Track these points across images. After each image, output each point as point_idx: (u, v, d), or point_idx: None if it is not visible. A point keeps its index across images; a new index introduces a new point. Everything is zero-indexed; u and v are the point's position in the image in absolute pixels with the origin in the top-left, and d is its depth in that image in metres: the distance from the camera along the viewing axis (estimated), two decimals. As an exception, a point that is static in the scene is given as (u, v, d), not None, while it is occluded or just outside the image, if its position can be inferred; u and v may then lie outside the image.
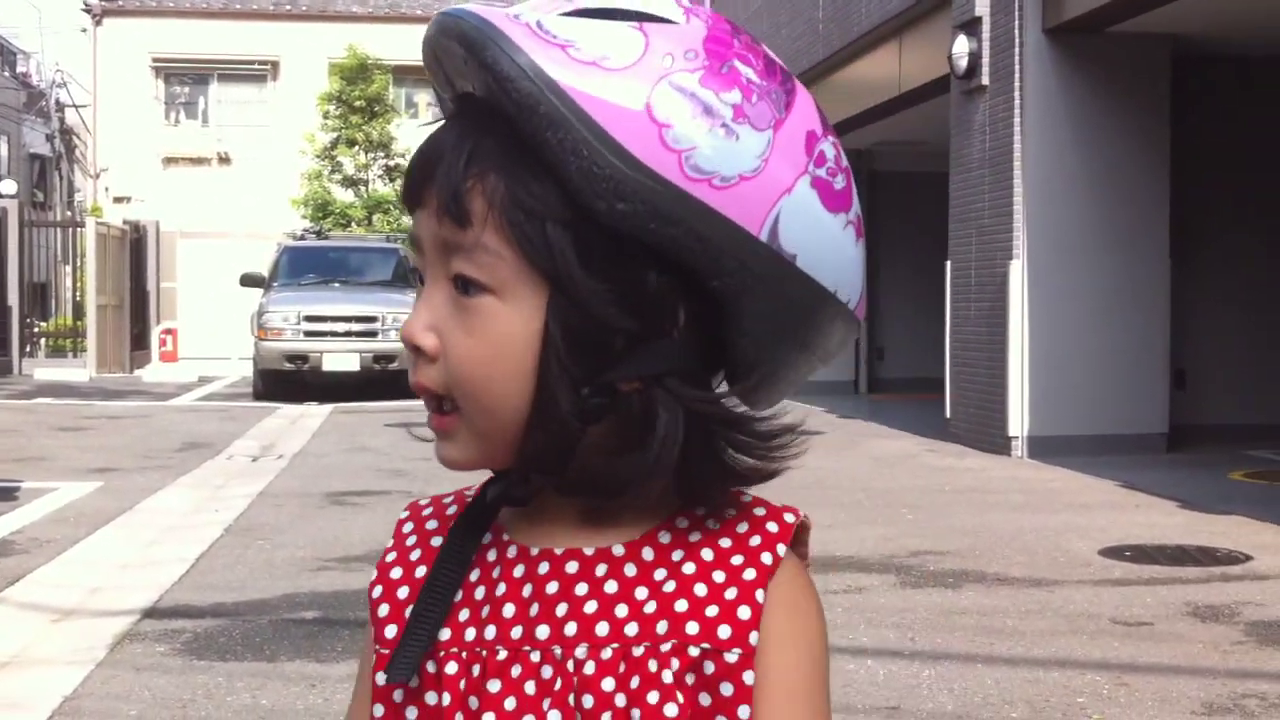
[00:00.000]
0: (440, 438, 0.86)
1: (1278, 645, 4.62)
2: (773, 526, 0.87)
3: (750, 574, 0.84)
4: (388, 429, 12.54)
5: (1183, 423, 10.16)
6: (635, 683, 0.82)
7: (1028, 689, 4.12)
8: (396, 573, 0.93)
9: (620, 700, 0.82)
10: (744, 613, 0.83)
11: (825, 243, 0.83)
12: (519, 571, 0.87)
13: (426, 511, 0.96)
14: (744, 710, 0.82)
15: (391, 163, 25.96)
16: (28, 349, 20.96)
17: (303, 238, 19.16)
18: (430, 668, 0.87)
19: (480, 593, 0.88)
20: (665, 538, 0.86)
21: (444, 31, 0.82)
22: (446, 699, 0.86)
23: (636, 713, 0.82)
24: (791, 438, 0.87)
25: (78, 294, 24.18)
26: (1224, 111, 10.72)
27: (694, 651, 0.83)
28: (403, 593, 0.91)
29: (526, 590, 0.86)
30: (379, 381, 16.24)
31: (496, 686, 0.85)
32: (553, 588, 0.86)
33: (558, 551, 0.87)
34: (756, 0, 17.11)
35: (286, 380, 16.09)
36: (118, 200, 26.96)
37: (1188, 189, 10.27)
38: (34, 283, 22.66)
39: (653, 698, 0.82)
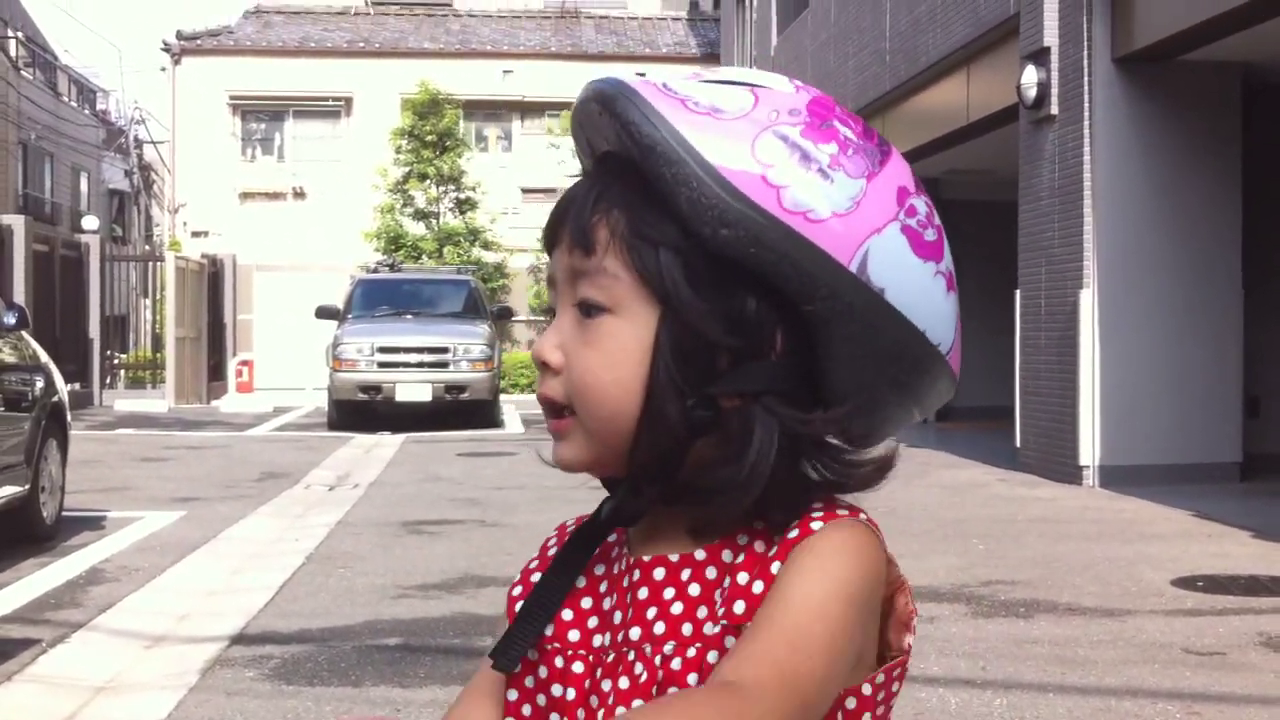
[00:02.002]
0: (557, 440, 0.97)
1: (1353, 676, 4.61)
2: (816, 523, 0.93)
3: (772, 550, 0.93)
4: (460, 458, 12.73)
5: (1256, 451, 10.08)
6: None
7: (1100, 718, 4.16)
8: (536, 578, 1.04)
9: None
10: (758, 588, 0.91)
11: (913, 284, 0.93)
12: (627, 582, 0.98)
13: (571, 528, 1.06)
14: None
15: (461, 195, 26.29)
16: (108, 380, 21.44)
17: (376, 270, 19.48)
18: (559, 663, 0.98)
19: (609, 602, 0.99)
20: (743, 539, 0.95)
21: (586, 95, 0.96)
22: (571, 694, 0.97)
23: None
24: (876, 469, 0.96)
25: (156, 326, 24.71)
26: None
27: (728, 642, 0.91)
28: None
29: (630, 597, 0.97)
30: (450, 411, 16.49)
31: (607, 685, 0.95)
32: (643, 593, 0.96)
33: (646, 559, 0.97)
34: (824, 32, 17.24)
35: (360, 410, 16.37)
36: (195, 234, 27.55)
37: (1260, 217, 10.21)
38: (113, 315, 23.19)
39: None
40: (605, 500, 1.00)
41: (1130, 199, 9.82)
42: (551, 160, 26.54)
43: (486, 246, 26.24)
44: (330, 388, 16.64)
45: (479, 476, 11.17)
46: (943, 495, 9.49)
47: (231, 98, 28.14)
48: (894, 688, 0.98)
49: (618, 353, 0.92)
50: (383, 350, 16.33)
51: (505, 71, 28.59)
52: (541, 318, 26.78)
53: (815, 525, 0.93)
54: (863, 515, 0.95)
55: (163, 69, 29.23)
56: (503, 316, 19.34)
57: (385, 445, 14.14)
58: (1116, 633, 5.28)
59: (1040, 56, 10.40)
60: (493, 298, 21.77)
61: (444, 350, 16.45)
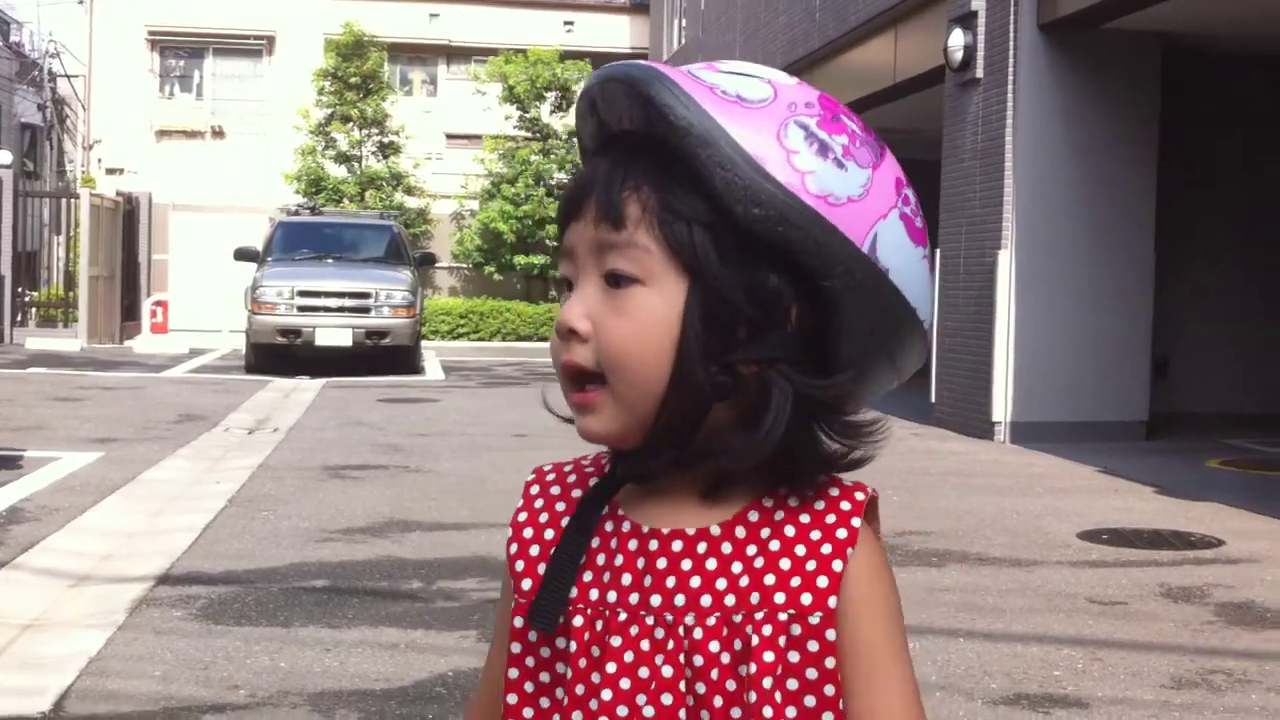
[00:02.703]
0: (582, 413, 1.02)
1: (1245, 625, 4.84)
2: (846, 505, 1.03)
3: (828, 548, 1.02)
4: (381, 404, 12.72)
5: (1163, 410, 10.40)
6: (738, 645, 1.00)
7: (1007, 662, 4.33)
8: (528, 532, 1.11)
9: (725, 659, 1.00)
10: (822, 581, 1.01)
11: (910, 266, 1.02)
12: (633, 545, 1.05)
13: (550, 477, 1.14)
14: (829, 661, 1.00)
15: (385, 139, 26.03)
16: (18, 318, 21.04)
17: (297, 213, 19.27)
18: (559, 618, 1.05)
19: (601, 559, 1.06)
20: (754, 516, 1.03)
21: (611, 77, 1.03)
22: (573, 646, 1.05)
23: (744, 668, 1.00)
24: (879, 426, 1.05)
25: (69, 264, 24.24)
26: (1211, 108, 10.93)
27: (782, 617, 1.00)
28: (534, 550, 1.09)
29: (640, 563, 1.04)
30: (370, 357, 16.42)
31: (618, 641, 1.03)
32: (662, 563, 1.03)
33: (664, 531, 1.04)
34: (752, -14, 17.26)
35: (279, 354, 16.24)
36: (110, 172, 27.00)
37: (1174, 183, 10.48)
38: (25, 252, 22.71)
39: (752, 656, 0.99)
40: (618, 461, 1.06)
41: (1050, 163, 10.02)
42: (477, 106, 26.34)
43: (409, 192, 26.04)
44: (249, 330, 16.48)
45: (401, 422, 11.18)
46: (860, 449, 9.65)
47: (150, 33, 27.53)
48: None
49: (649, 322, 0.98)
50: (303, 294, 16.20)
51: (432, 15, 28.26)
52: (463, 265, 26.70)
53: (845, 505, 1.04)
54: (871, 489, 1.05)
55: (79, 1, 28.50)
56: (425, 263, 19.22)
57: (304, 390, 14.07)
58: (1024, 582, 5.47)
59: (967, 20, 10.55)
60: (415, 244, 21.62)
61: (366, 295, 16.36)
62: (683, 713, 1.01)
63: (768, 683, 0.99)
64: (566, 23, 28.57)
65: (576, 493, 1.10)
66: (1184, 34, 9.99)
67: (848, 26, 13.54)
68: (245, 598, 5.02)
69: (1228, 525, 6.72)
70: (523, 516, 1.12)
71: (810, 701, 1.00)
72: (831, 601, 1.00)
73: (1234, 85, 10.95)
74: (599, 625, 1.04)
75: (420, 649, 4.39)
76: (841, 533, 1.02)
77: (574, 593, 1.05)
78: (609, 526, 1.07)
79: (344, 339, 16.21)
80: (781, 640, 1.00)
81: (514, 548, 1.11)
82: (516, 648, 1.09)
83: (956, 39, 10.59)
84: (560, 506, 1.10)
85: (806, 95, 1.01)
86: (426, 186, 26.31)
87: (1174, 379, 10.90)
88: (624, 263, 0.99)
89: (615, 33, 28.77)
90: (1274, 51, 10.36)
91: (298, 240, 17.62)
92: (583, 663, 1.04)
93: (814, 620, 1.00)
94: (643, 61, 1.02)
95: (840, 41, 13.94)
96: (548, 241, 25.47)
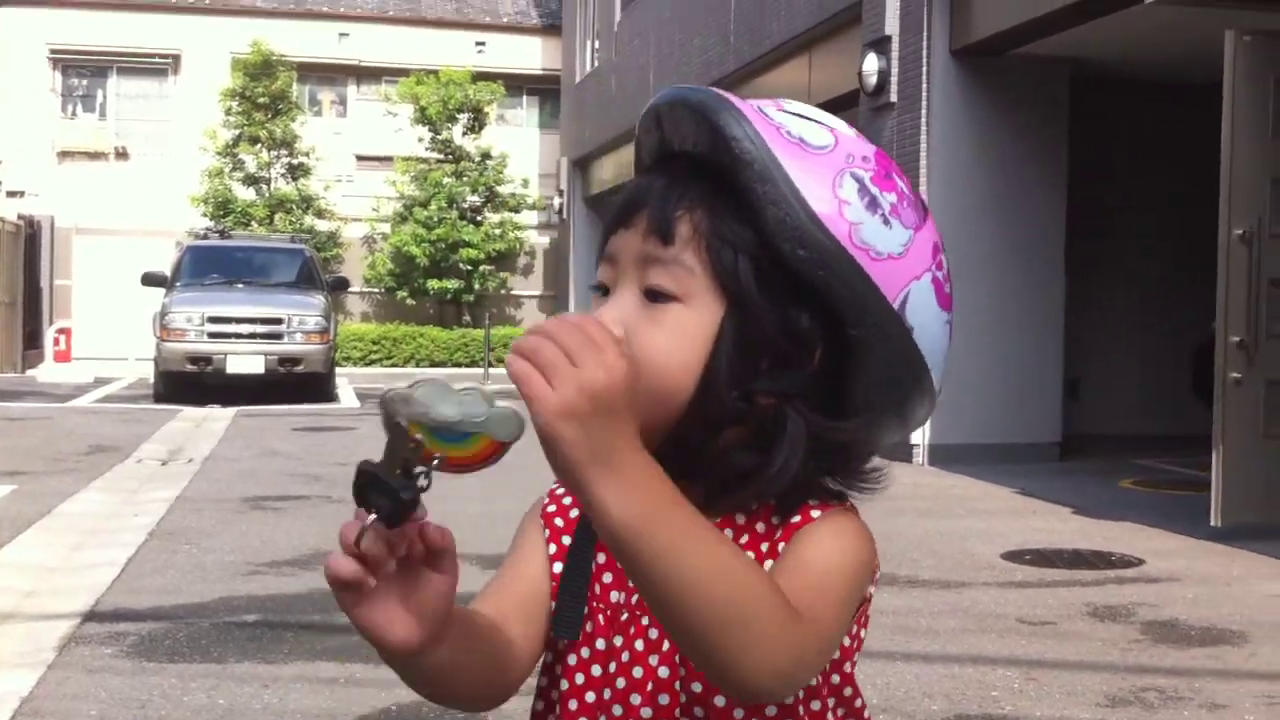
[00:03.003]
0: None
1: (1171, 643, 4.95)
2: (815, 512, 1.06)
3: (779, 534, 1.05)
4: (296, 433, 12.55)
5: (1075, 431, 10.61)
6: None
7: (945, 684, 4.39)
8: (560, 521, 1.15)
9: None
10: (766, 565, 1.03)
11: (934, 328, 1.06)
12: None
13: (562, 492, 1.17)
14: None
15: (295, 161, 25.73)
16: (-84, 346, 20.47)
17: (205, 236, 18.98)
18: (581, 626, 1.09)
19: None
20: (740, 519, 1.07)
21: (682, 100, 1.05)
22: (601, 644, 1.09)
23: None
24: (879, 474, 1.08)
25: (-33, 290, 23.60)
26: (1119, 132, 11.22)
27: None
28: (567, 539, 1.14)
29: None
30: (282, 385, 16.18)
31: (619, 640, 1.07)
32: None
33: None
34: (669, 10, 17.39)
35: (189, 382, 15.94)
36: (11, 194, 26.31)
37: (1084, 206, 10.72)
38: (-78, 278, 22.10)
39: None
40: None
41: (963, 186, 10.21)
42: (388, 127, 26.15)
43: (320, 215, 25.75)
44: (157, 358, 16.17)
45: (319, 452, 11.04)
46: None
47: (52, 51, 26.94)
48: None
49: (683, 338, 1.01)
50: (213, 320, 15.95)
51: (341, 34, 28.00)
52: (375, 290, 26.46)
53: (815, 514, 1.05)
54: (850, 505, 1.08)
55: (-25, 19, 27.83)
56: (338, 287, 19.05)
57: (216, 419, 13.84)
58: (954, 604, 5.55)
59: (881, 45, 10.71)
60: (326, 268, 21.39)
61: (278, 321, 16.14)
62: (677, 711, 1.05)
63: None
64: (478, 43, 28.49)
65: None
66: (1093, 60, 10.24)
67: (762, 50, 13.69)
68: (176, 634, 4.93)
69: (1146, 545, 6.87)
70: (552, 508, 1.17)
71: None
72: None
73: (1143, 110, 11.25)
74: (604, 622, 1.09)
75: (360, 683, 4.34)
76: (795, 518, 1.05)
77: (598, 589, 1.10)
78: None
79: (256, 366, 15.97)
80: None
81: (547, 532, 1.15)
82: (573, 660, 1.12)
83: (871, 63, 10.75)
84: (575, 514, 1.16)
85: (865, 149, 1.05)
86: (337, 209, 26.04)
87: (1084, 400, 11.14)
88: (666, 279, 1.02)
89: (527, 54, 28.76)
90: (1182, 79, 10.65)
91: (207, 265, 17.34)
92: (596, 670, 1.09)
93: None
94: (716, 90, 1.05)
95: (755, 65, 14.08)
96: (461, 265, 25.34)
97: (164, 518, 7.54)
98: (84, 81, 27.47)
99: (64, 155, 26.86)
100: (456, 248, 25.19)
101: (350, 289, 22.51)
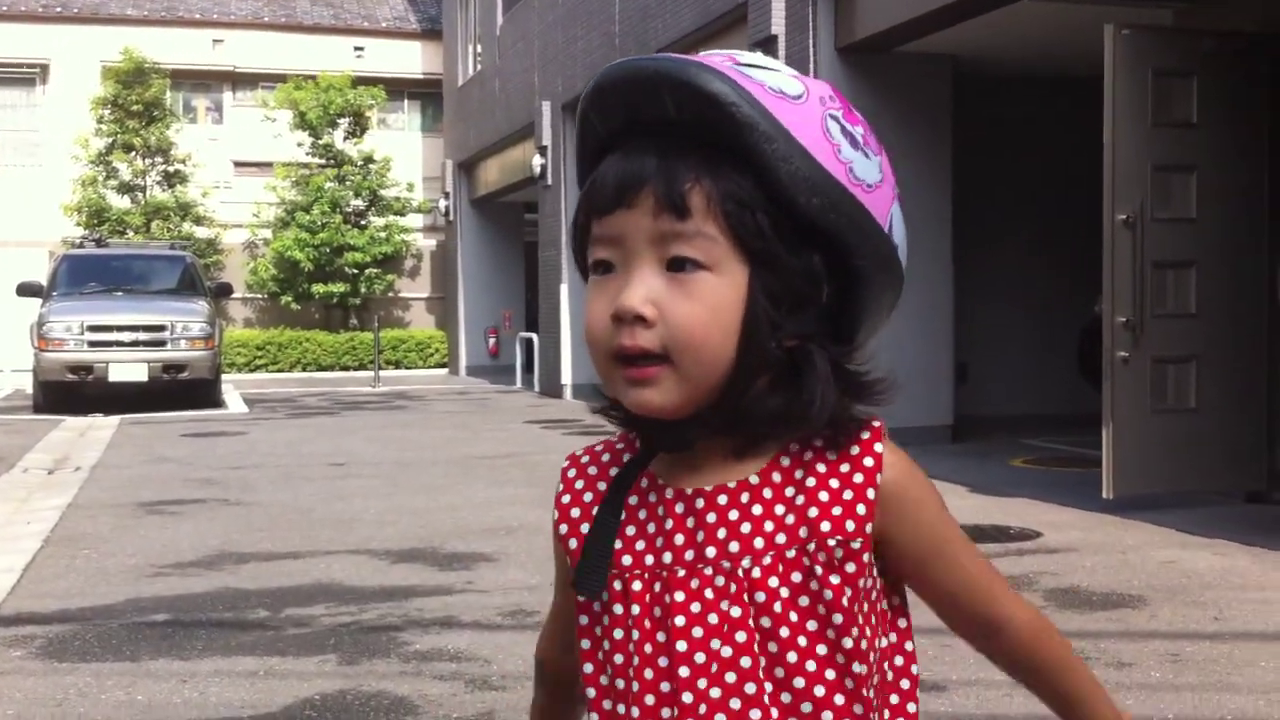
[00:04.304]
0: (642, 385, 1.06)
1: (1075, 609, 5.11)
2: (865, 434, 1.12)
3: (859, 477, 1.10)
4: (185, 439, 12.31)
5: (965, 414, 10.87)
6: (796, 576, 1.08)
7: (863, 654, 4.47)
8: (575, 512, 1.17)
9: (785, 592, 1.08)
10: (861, 509, 1.09)
11: (904, 240, 1.15)
12: (680, 508, 1.11)
13: (584, 460, 1.20)
14: (865, 581, 1.09)
15: (170, 168, 25.22)
16: None
17: (82, 245, 18.51)
18: (618, 586, 1.12)
19: (652, 527, 1.12)
20: (785, 461, 1.12)
21: (657, 71, 1.06)
22: (636, 609, 1.11)
23: (804, 599, 1.08)
24: (888, 383, 1.14)
25: None
26: (1001, 124, 11.51)
27: (831, 543, 1.08)
28: (585, 528, 1.15)
29: (690, 522, 1.11)
30: (166, 392, 15.87)
31: (681, 596, 1.10)
32: (711, 518, 1.10)
33: (708, 489, 1.11)
34: (552, 13, 17.39)
35: (70, 391, 15.57)
36: None
37: (969, 197, 10.99)
38: None
39: (810, 584, 1.08)
40: (658, 433, 1.10)
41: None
42: (266, 133, 25.75)
43: (198, 221, 25.27)
44: (36, 368, 15.75)
45: (209, 456, 10.85)
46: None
47: (-88, 60, 26.09)
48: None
49: (719, 305, 1.04)
50: (93, 329, 15.57)
51: (215, 40, 27.50)
52: (259, 295, 26.03)
53: (878, 447, 1.11)
54: (881, 420, 1.15)
55: None
56: (222, 294, 18.71)
57: (100, 427, 13.52)
58: (864, 580, 5.65)
59: (768, 44, 10.85)
60: (207, 274, 21.01)
61: (161, 328, 15.82)
62: (755, 646, 1.08)
63: (844, 601, 1.08)
64: (356, 48, 28.19)
65: (614, 470, 1.17)
66: (974, 57, 10.50)
67: (648, 51, 13.75)
68: (85, 635, 4.82)
69: (1041, 518, 7.07)
70: (566, 499, 1.19)
71: (822, 624, 1.09)
72: (869, 527, 1.08)
73: (1024, 103, 11.55)
74: (658, 586, 1.10)
75: (281, 675, 4.29)
76: (869, 460, 1.10)
77: (628, 560, 1.12)
78: (652, 497, 1.13)
79: (139, 374, 15.63)
80: (824, 566, 1.08)
81: (564, 528, 1.18)
82: (584, 619, 1.15)
83: (758, 62, 10.88)
84: (602, 485, 1.17)
85: (824, 89, 1.10)
86: (216, 216, 25.58)
87: (973, 384, 11.41)
88: (691, 250, 1.04)
89: (407, 58, 28.54)
90: (1061, 71, 10.97)
91: (85, 274, 16.93)
92: (647, 623, 1.10)
93: (855, 545, 1.08)
94: (686, 57, 1.06)
95: (641, 65, 14.14)
96: (346, 269, 25.05)
97: (58, 524, 7.36)
98: (-52, 90, 26.62)
99: (-72, 165, 26.00)
100: (341, 252, 24.91)
101: (234, 295, 22.15)
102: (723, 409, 1.07)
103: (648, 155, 1.06)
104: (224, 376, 18.38)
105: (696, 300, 1.04)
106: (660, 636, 1.10)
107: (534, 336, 19.18)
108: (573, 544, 1.16)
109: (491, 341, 23.33)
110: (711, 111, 1.03)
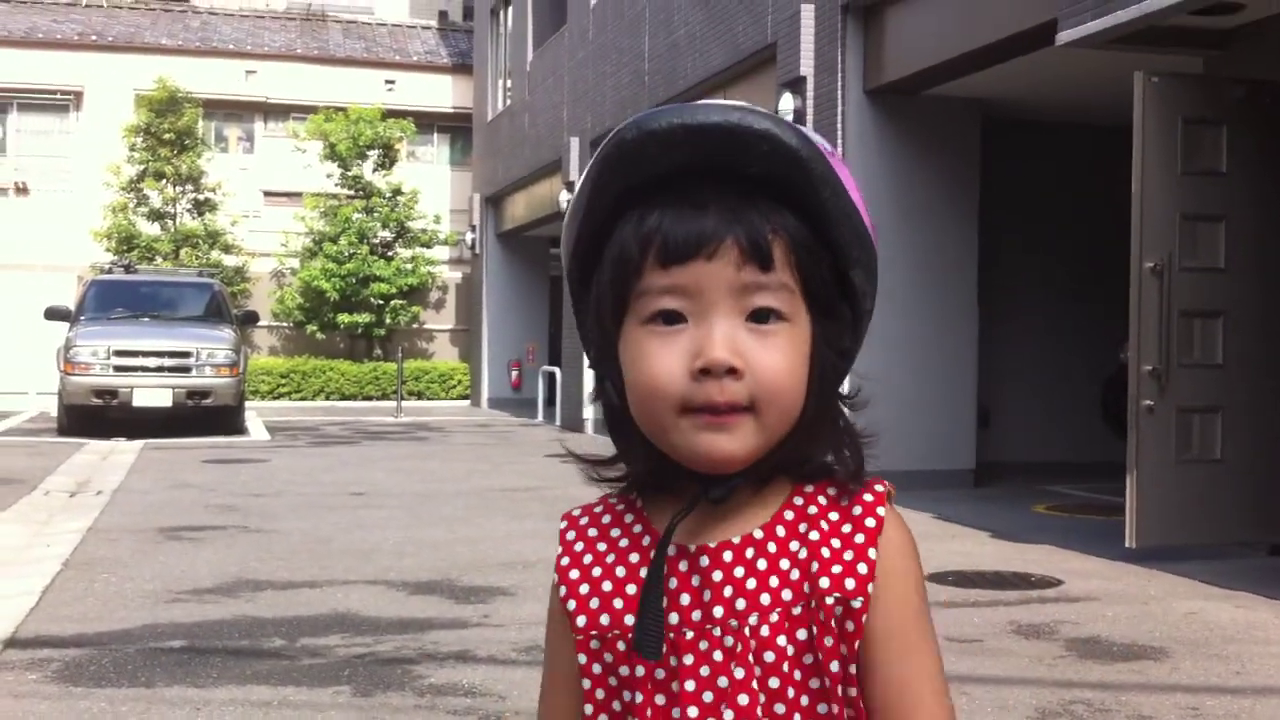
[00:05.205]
0: (719, 432, 1.03)
1: (1095, 659, 5.06)
2: (868, 496, 1.10)
3: (861, 537, 1.08)
4: (207, 465, 12.35)
5: (987, 459, 10.81)
6: (801, 634, 1.06)
7: (881, 699, 4.43)
8: (574, 574, 1.14)
9: (790, 650, 1.06)
10: (862, 568, 1.07)
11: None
12: (684, 566, 1.09)
13: (583, 521, 1.17)
14: (857, 644, 1.06)
15: (200, 196, 25.41)
16: None
17: (110, 271, 18.65)
18: (621, 646, 1.09)
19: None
20: (790, 515, 1.10)
21: (738, 124, 1.04)
22: (640, 670, 1.08)
23: (808, 658, 1.05)
24: (871, 438, 1.14)
25: None
26: (1026, 170, 11.51)
27: (829, 601, 1.06)
28: (584, 589, 1.12)
29: (695, 580, 1.08)
30: (190, 418, 15.94)
31: (690, 659, 1.07)
32: (717, 575, 1.08)
33: (712, 545, 1.09)
34: (582, 50, 17.50)
35: (94, 415, 15.65)
36: (-95, 228, 25.71)
37: (995, 241, 10.97)
38: None
39: (812, 641, 1.06)
40: (706, 485, 1.07)
41: (878, 223, 10.32)
42: (296, 164, 25.92)
43: (227, 250, 25.42)
44: (61, 392, 15.84)
45: (231, 483, 10.88)
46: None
47: (-51, 85, 26.39)
48: None
49: (796, 356, 1.05)
50: (119, 353, 15.67)
51: (249, 72, 27.75)
52: (284, 324, 26.14)
53: (881, 511, 1.09)
54: (887, 483, 1.13)
55: None
56: (248, 322, 18.80)
57: (123, 451, 13.58)
58: (883, 624, 5.61)
59: (796, 85, 10.89)
60: (234, 302, 21.12)
61: (186, 354, 15.90)
62: (759, 710, 1.06)
63: (834, 666, 1.06)
64: (388, 81, 28.38)
65: (615, 531, 1.14)
66: (1003, 101, 10.51)
67: (677, 90, 13.82)
68: (101, 659, 4.82)
69: (1063, 566, 7.02)
70: (565, 561, 1.16)
71: (824, 682, 1.06)
72: (870, 587, 1.06)
73: (1053, 149, 11.55)
74: (663, 649, 1.08)
75: (295, 706, 4.28)
76: (870, 521, 1.09)
77: (630, 621, 1.09)
78: (653, 554, 1.10)
79: (163, 399, 15.71)
80: (819, 625, 1.06)
81: (563, 590, 1.14)
82: (586, 683, 1.12)
83: (786, 103, 10.92)
84: (602, 546, 1.14)
85: (821, 136, 1.11)
86: (244, 244, 25.74)
87: (995, 428, 11.36)
88: (775, 301, 1.05)
89: (438, 92, 28.72)
90: (1090, 119, 10.97)
91: (112, 299, 17.05)
92: (649, 686, 1.08)
93: (855, 605, 1.06)
94: (757, 107, 1.06)
95: (670, 105, 14.19)
96: (372, 300, 25.15)
97: (78, 548, 7.38)
98: (-17, 116, 26.92)
99: (-38, 190, 26.25)
100: (367, 282, 25.01)
101: (260, 323, 22.26)
102: (780, 459, 1.07)
103: (720, 205, 1.05)
104: (247, 403, 18.45)
105: (777, 351, 1.04)
106: (659, 699, 1.08)
107: (557, 370, 19.20)
108: (571, 605, 1.13)
109: (514, 374, 23.36)
110: (791, 167, 1.05)
